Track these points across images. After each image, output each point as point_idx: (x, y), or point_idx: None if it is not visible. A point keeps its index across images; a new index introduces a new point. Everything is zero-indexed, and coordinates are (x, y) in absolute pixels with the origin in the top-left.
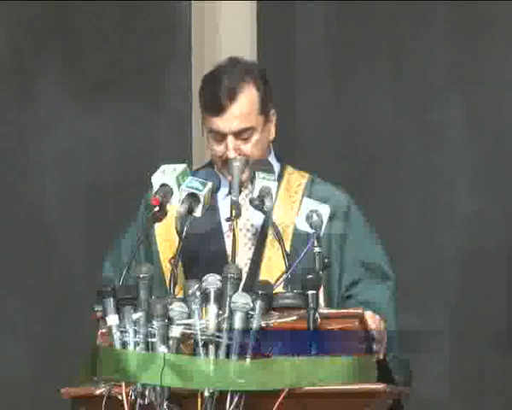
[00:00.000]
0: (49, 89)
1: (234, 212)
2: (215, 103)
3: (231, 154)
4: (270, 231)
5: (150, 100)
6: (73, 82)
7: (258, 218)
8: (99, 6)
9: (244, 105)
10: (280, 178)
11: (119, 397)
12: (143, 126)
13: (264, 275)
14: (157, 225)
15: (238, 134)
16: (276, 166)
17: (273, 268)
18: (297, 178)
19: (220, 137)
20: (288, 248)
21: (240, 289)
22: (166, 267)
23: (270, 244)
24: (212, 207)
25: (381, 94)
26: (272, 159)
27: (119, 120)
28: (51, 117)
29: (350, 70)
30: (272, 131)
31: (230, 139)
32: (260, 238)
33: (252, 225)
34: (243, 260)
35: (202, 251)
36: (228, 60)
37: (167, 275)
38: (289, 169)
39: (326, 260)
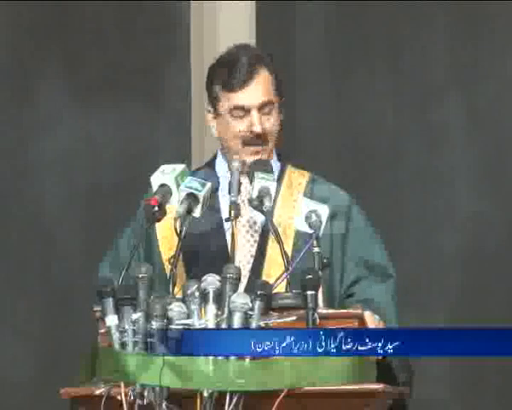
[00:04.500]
0: (49, 89)
1: (233, 212)
2: (238, 78)
3: (258, 128)
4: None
5: (150, 100)
6: (73, 82)
7: (261, 215)
8: (99, 6)
9: (264, 80)
10: (281, 176)
11: (119, 397)
12: (143, 126)
13: (266, 272)
14: (158, 225)
15: (261, 108)
16: (277, 165)
17: (276, 266)
18: (298, 177)
19: (243, 113)
20: (289, 247)
21: (243, 286)
22: (168, 267)
23: (272, 242)
24: (213, 206)
25: (381, 94)
26: (274, 157)
27: (119, 120)
28: (51, 117)
29: (350, 70)
30: (280, 123)
31: (255, 113)
32: (263, 236)
33: (254, 223)
34: (246, 257)
35: (204, 250)
36: (237, 45)
37: (167, 273)
38: (290, 168)
39: (325, 261)
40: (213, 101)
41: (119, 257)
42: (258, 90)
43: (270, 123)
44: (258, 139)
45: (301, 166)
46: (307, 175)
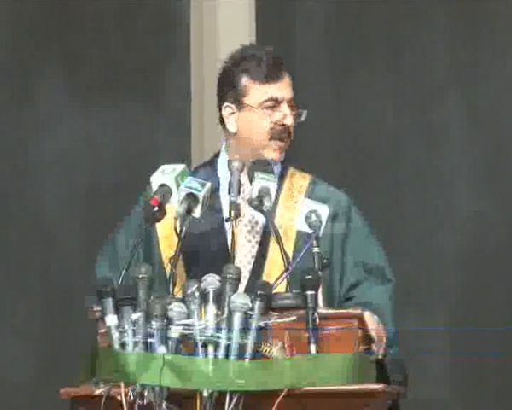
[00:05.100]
0: (49, 89)
1: (233, 212)
2: (272, 71)
3: (290, 120)
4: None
5: (150, 100)
6: (73, 82)
7: (262, 216)
8: (99, 6)
9: (289, 77)
10: (282, 178)
11: (119, 397)
12: (143, 126)
13: (267, 273)
14: (158, 225)
15: (290, 102)
16: (278, 167)
17: (276, 267)
18: (299, 179)
19: (273, 105)
20: (290, 249)
21: (243, 286)
22: (168, 267)
23: (273, 243)
24: (214, 206)
25: (381, 94)
26: None
27: (119, 120)
28: (51, 117)
29: (350, 70)
30: None
31: (286, 106)
32: (264, 237)
33: (256, 223)
34: (247, 257)
35: (205, 250)
36: (252, 44)
37: (168, 273)
38: (291, 170)
39: (325, 261)
40: (238, 94)
41: (117, 256)
42: (288, 84)
43: (294, 118)
44: (284, 133)
45: (301, 168)
46: (308, 177)
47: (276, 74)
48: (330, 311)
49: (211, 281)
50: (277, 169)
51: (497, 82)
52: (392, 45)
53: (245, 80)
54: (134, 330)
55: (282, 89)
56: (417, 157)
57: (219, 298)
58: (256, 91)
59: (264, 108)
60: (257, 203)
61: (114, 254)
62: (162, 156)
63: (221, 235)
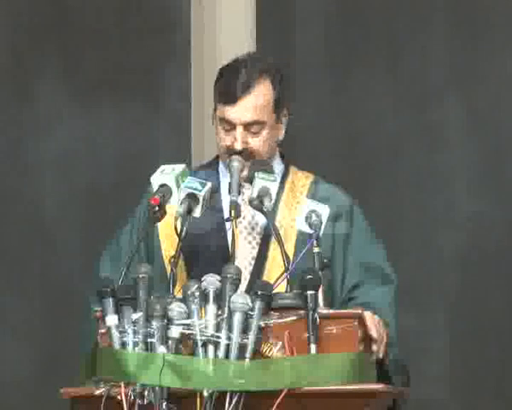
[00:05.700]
0: (48, 89)
1: (233, 212)
2: (229, 92)
3: (238, 146)
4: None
5: (150, 100)
6: (73, 82)
7: (263, 217)
8: (98, 6)
9: (258, 99)
10: (284, 178)
11: (119, 397)
12: (143, 126)
13: (268, 274)
14: (160, 224)
15: (248, 127)
16: (281, 167)
17: (277, 268)
18: (301, 179)
19: (229, 127)
20: (291, 249)
21: (244, 288)
22: (168, 265)
23: (274, 244)
24: (215, 206)
25: (381, 94)
26: (277, 159)
27: (118, 120)
28: (51, 117)
29: (349, 69)
30: (282, 132)
31: (239, 131)
32: (265, 238)
33: (256, 224)
34: (247, 258)
35: (205, 250)
36: (248, 54)
37: (169, 273)
38: (293, 169)
39: (325, 261)
40: (214, 103)
41: (121, 256)
42: (248, 108)
43: (257, 141)
44: (243, 154)
45: (302, 168)
46: (311, 177)
47: (235, 98)
48: (331, 311)
49: (211, 281)
50: (279, 169)
51: (496, 82)
52: (392, 45)
53: (216, 95)
54: (134, 330)
55: (238, 112)
56: (417, 157)
57: (219, 298)
58: (218, 109)
59: (222, 127)
60: (257, 203)
61: (118, 255)
62: (162, 156)
63: (221, 235)
